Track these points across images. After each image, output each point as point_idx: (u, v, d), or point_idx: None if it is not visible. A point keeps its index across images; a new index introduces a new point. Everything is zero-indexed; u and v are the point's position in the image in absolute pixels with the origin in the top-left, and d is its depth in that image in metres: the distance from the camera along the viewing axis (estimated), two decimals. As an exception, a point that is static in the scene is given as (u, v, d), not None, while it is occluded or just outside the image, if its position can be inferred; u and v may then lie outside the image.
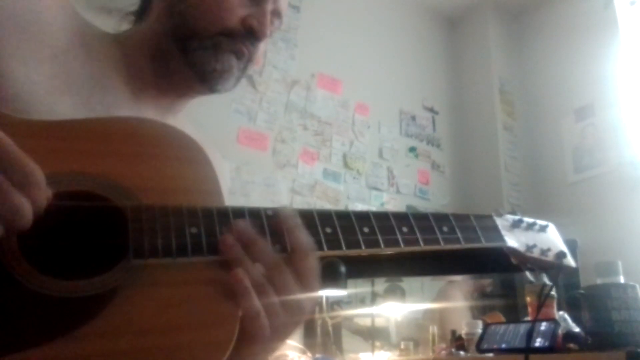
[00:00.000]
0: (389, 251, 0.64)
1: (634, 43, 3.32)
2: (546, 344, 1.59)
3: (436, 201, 3.60)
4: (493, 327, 1.89)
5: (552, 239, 0.81)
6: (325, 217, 0.63)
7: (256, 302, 0.54)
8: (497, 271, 2.74)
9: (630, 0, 3.40)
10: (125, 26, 0.83)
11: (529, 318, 1.94)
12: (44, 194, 0.47)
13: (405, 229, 0.66)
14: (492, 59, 3.88)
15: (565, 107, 3.58)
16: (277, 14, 0.79)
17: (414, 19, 4.00)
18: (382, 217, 0.65)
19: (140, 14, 0.81)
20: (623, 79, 3.30)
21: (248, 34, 0.74)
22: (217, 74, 0.74)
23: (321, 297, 2.43)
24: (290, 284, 0.57)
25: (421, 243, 0.66)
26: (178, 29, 0.74)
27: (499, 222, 0.76)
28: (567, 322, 1.72)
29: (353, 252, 0.62)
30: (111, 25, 0.82)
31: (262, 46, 0.79)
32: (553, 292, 1.78)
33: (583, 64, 3.51)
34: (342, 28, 3.52)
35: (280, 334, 0.58)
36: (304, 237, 0.59)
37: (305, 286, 0.58)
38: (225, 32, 0.73)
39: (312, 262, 0.59)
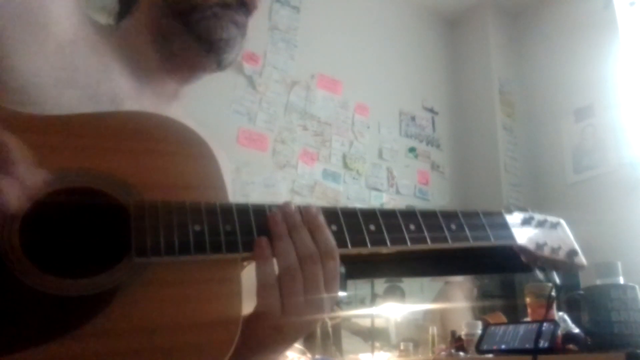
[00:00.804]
0: (395, 249, 0.63)
1: (634, 43, 3.33)
2: (546, 344, 1.59)
3: (436, 202, 3.60)
4: (493, 327, 1.89)
5: (563, 236, 0.79)
6: (331, 214, 0.62)
7: (271, 275, 0.56)
8: (496, 272, 2.74)
9: (629, 0, 3.40)
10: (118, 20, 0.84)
11: (528, 319, 1.94)
12: (33, 173, 0.46)
13: (412, 227, 0.64)
14: (492, 60, 3.89)
15: (565, 107, 3.58)
16: None
17: (414, 19, 4.00)
18: (389, 215, 0.64)
19: (128, 6, 0.82)
20: (623, 80, 3.30)
21: (240, 6, 0.77)
22: (223, 43, 0.76)
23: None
24: (318, 277, 0.58)
25: (429, 241, 0.64)
26: (176, 6, 0.76)
27: (508, 219, 0.74)
28: (567, 322, 1.72)
29: (359, 250, 0.61)
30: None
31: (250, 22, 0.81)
32: (553, 293, 1.77)
33: (583, 64, 3.52)
34: (342, 29, 3.52)
35: (294, 330, 0.59)
36: (331, 238, 0.60)
37: (328, 286, 0.59)
38: (220, 2, 0.76)
39: (336, 264, 0.60)
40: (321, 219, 0.60)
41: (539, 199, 3.61)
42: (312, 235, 0.59)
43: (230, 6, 0.76)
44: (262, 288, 0.56)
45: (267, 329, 0.58)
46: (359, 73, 3.51)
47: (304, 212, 0.60)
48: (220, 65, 0.79)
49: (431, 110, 3.86)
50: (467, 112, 3.95)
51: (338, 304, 2.64)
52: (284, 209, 0.60)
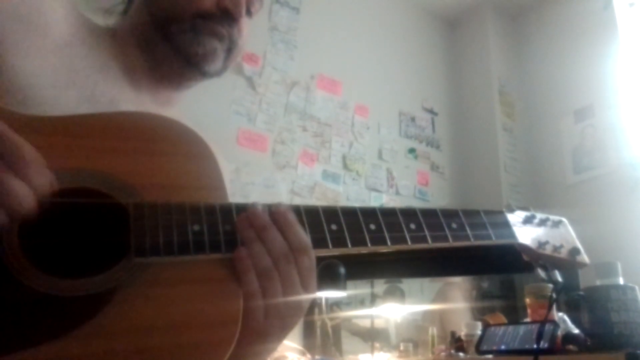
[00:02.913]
0: (395, 249, 0.62)
1: (633, 44, 3.33)
2: (545, 345, 1.59)
3: (435, 202, 3.60)
4: (492, 328, 1.89)
5: (565, 235, 0.79)
6: (331, 213, 0.61)
7: (255, 283, 0.55)
8: (496, 272, 2.74)
9: (629, 1, 3.40)
10: (114, 20, 0.84)
11: (528, 319, 1.94)
12: (43, 175, 0.46)
13: (412, 226, 0.64)
14: (492, 60, 3.88)
15: (565, 108, 3.58)
16: None
17: (414, 20, 4.00)
18: (389, 214, 0.63)
19: (127, 7, 0.82)
20: (622, 80, 3.30)
21: (224, 16, 0.75)
22: (201, 57, 0.75)
23: (319, 298, 2.43)
24: (293, 276, 0.58)
25: (429, 240, 0.64)
26: (155, 17, 0.75)
27: (510, 218, 0.74)
28: (567, 323, 1.72)
29: (359, 249, 0.60)
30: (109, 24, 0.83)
31: (244, 28, 0.79)
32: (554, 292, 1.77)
33: (582, 65, 3.52)
34: (342, 29, 3.52)
35: (277, 331, 0.59)
36: (302, 234, 0.59)
37: (304, 283, 0.59)
38: (200, 14, 0.74)
39: (311, 261, 0.59)
40: (291, 216, 0.59)
41: (538, 199, 3.61)
42: (283, 233, 0.58)
43: (212, 17, 0.74)
44: (245, 296, 0.56)
45: (251, 334, 0.57)
46: (359, 73, 3.50)
47: (273, 210, 0.59)
48: (205, 76, 0.78)
49: (431, 111, 3.86)
50: (467, 113, 3.95)
51: (337, 304, 2.64)
52: (250, 211, 0.58)
